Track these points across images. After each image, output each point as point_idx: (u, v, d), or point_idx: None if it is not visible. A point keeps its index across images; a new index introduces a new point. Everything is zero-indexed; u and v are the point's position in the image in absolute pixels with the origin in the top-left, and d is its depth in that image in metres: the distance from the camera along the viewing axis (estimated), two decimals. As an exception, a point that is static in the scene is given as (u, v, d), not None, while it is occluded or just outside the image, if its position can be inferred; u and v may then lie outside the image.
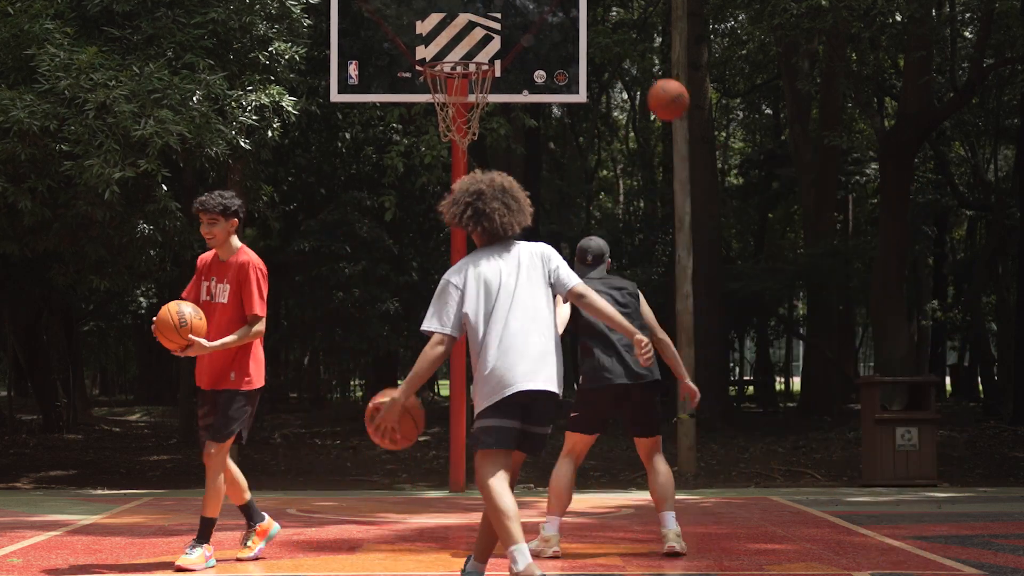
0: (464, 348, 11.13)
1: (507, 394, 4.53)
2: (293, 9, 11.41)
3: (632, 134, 31.99)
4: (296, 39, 11.71)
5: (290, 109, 11.06)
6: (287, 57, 11.39)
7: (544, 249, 4.85)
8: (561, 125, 28.91)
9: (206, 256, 5.92)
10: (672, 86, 6.43)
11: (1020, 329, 19.27)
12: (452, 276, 4.70)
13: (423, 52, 10.30)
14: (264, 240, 21.57)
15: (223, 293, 5.78)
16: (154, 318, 5.61)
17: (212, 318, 5.73)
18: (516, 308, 4.62)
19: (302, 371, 31.47)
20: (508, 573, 4.42)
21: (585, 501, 9.47)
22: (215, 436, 5.79)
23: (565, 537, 6.98)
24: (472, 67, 10.15)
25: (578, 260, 6.36)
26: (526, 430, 4.65)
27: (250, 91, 10.83)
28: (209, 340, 5.65)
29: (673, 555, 5.95)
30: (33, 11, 10.35)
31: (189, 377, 18.19)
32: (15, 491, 11.22)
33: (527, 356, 4.57)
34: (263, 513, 6.14)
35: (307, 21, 11.84)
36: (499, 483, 4.50)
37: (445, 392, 37.37)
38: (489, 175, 4.88)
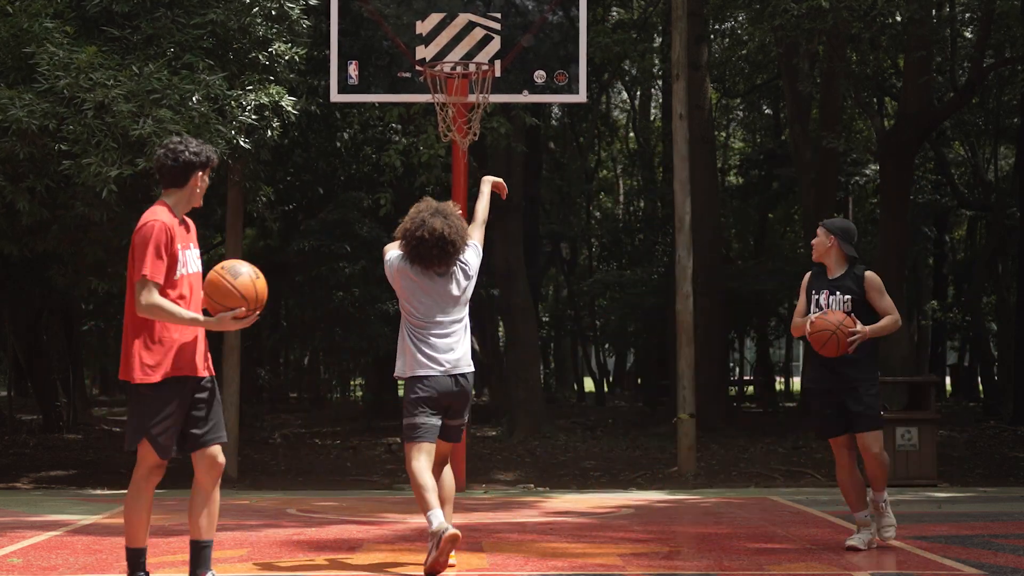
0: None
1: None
2: (292, 11, 11.40)
3: (632, 134, 31.98)
4: (296, 39, 11.71)
5: (290, 109, 11.06)
6: (287, 58, 11.39)
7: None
8: (561, 125, 28.90)
9: (166, 220, 4.81)
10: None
11: (1020, 329, 19.27)
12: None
13: (423, 52, 10.30)
14: (264, 240, 21.57)
15: (197, 262, 4.98)
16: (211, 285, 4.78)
17: (193, 294, 4.89)
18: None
19: (302, 371, 31.46)
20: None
21: (585, 501, 9.47)
22: (222, 436, 5.00)
23: (565, 537, 6.98)
24: (472, 67, 10.15)
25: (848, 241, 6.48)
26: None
27: (249, 91, 10.83)
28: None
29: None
30: (33, 10, 10.34)
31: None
32: (15, 491, 11.21)
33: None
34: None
35: (306, 22, 11.83)
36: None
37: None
38: (431, 222, 5.60)
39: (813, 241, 6.49)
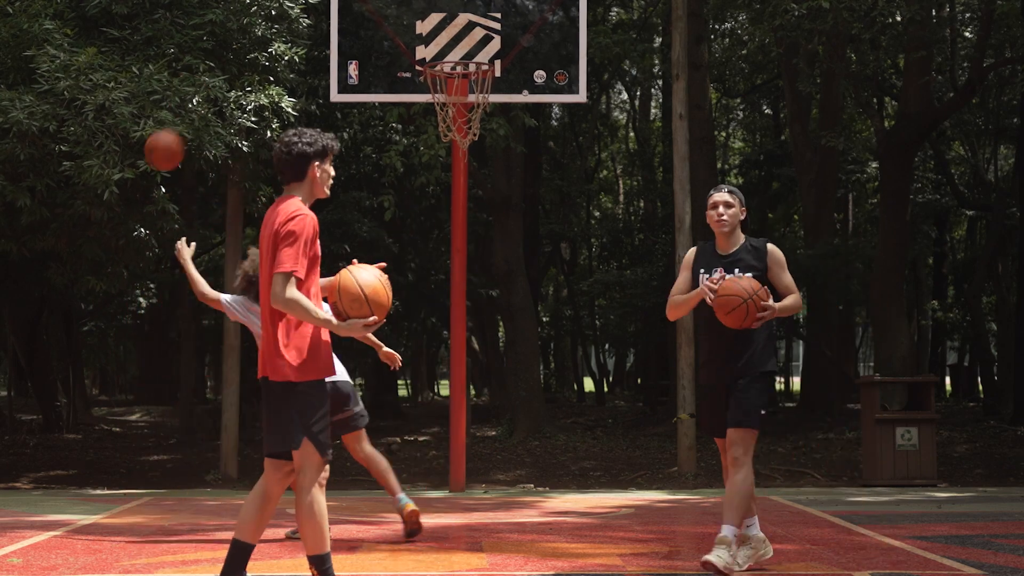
0: (463, 352, 11.14)
1: None
2: (291, 10, 11.39)
3: (632, 134, 31.98)
4: (296, 39, 11.71)
5: (289, 110, 11.06)
6: (287, 58, 11.39)
7: None
8: (561, 125, 28.91)
9: (314, 216, 4.76)
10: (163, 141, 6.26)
11: (1020, 329, 19.27)
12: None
13: (423, 52, 10.30)
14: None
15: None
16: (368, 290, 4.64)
17: (318, 297, 4.82)
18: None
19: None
20: None
21: (585, 501, 9.47)
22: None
23: (565, 537, 6.98)
24: (472, 67, 10.15)
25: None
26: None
27: (249, 92, 10.83)
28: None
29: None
30: (32, 11, 10.34)
31: (189, 377, 18.20)
32: (15, 491, 11.21)
33: None
34: None
35: (306, 21, 11.83)
36: None
37: (445, 392, 37.38)
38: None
39: (724, 212, 5.59)
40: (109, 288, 13.45)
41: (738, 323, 5.35)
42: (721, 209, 5.59)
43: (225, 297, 6.62)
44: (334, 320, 4.68)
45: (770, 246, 5.59)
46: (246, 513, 4.83)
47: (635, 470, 13.34)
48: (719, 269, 5.55)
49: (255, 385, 25.13)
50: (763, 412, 5.49)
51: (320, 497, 4.74)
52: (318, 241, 4.73)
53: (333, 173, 4.90)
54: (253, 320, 6.47)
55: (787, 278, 5.56)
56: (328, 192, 4.90)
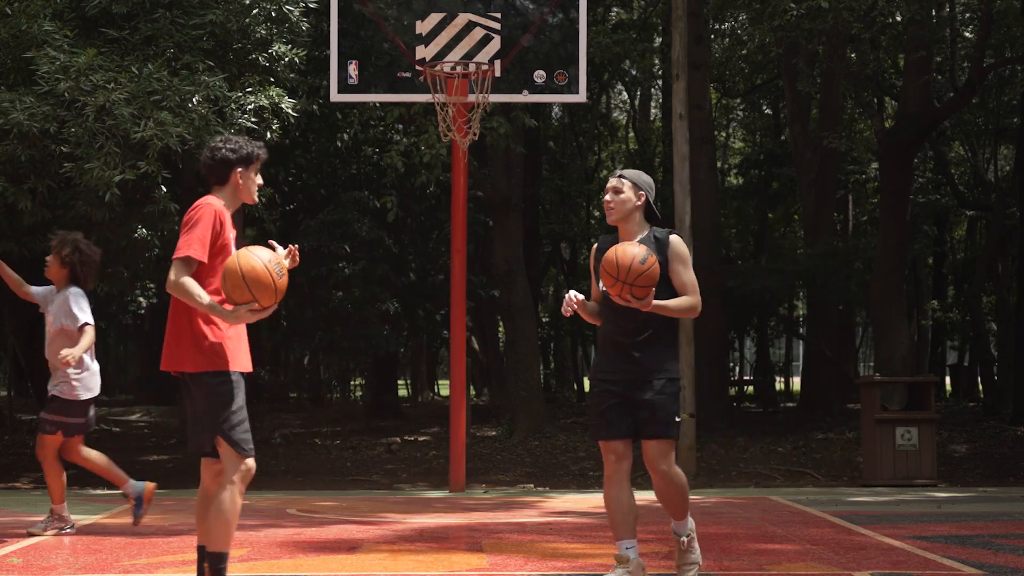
0: (463, 352, 11.15)
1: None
2: (291, 14, 11.39)
3: (632, 134, 31.99)
4: (296, 39, 11.71)
5: (289, 111, 11.06)
6: (287, 59, 11.39)
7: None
8: (561, 125, 28.91)
9: (218, 206, 4.76)
10: None
11: (1020, 329, 19.27)
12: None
13: (423, 52, 10.31)
14: (264, 240, 21.56)
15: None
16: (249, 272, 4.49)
17: None
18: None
19: (302, 371, 31.45)
20: None
21: (585, 501, 9.47)
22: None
23: (565, 537, 6.98)
24: (472, 67, 10.15)
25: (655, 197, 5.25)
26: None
27: (249, 92, 10.82)
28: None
29: None
30: (32, 11, 10.33)
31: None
32: (15, 491, 11.21)
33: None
34: None
35: (305, 24, 11.83)
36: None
37: (445, 392, 37.37)
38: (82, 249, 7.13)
39: (611, 198, 5.10)
40: (109, 288, 13.45)
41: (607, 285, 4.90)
42: (609, 196, 5.10)
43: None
44: (218, 307, 4.62)
45: (673, 238, 5.05)
46: (200, 518, 4.83)
47: (635, 470, 13.29)
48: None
49: (255, 384, 25.10)
50: (678, 419, 5.27)
51: (237, 497, 4.63)
52: (226, 232, 4.74)
53: (260, 181, 4.94)
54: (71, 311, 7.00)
55: (686, 276, 5.03)
56: (256, 199, 4.96)
